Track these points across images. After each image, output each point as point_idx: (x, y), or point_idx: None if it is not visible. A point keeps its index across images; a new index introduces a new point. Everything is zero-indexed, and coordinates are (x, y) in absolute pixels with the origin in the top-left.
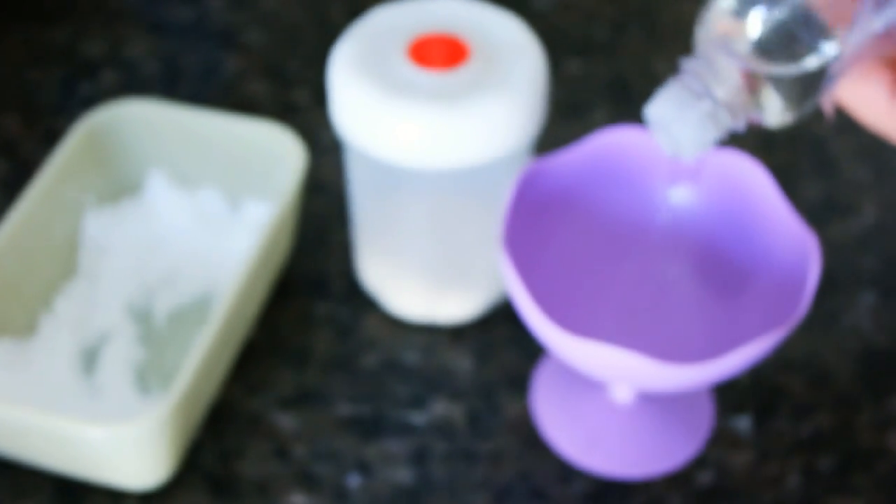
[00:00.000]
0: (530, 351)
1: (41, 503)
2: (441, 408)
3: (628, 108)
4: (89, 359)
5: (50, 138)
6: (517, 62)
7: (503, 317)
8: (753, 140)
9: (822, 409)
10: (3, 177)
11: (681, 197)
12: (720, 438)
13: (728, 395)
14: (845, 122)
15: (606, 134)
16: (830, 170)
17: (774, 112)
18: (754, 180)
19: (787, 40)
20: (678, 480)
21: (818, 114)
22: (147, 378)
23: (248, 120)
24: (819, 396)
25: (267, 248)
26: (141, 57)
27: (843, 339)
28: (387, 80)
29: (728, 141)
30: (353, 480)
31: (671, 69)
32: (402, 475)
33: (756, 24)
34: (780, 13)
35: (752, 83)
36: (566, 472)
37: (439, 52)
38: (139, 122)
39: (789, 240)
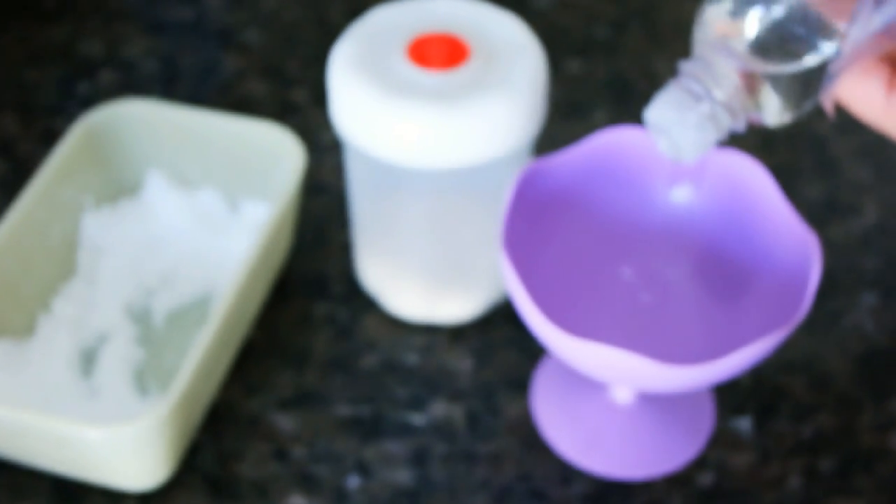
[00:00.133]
0: (530, 351)
1: None
2: (441, 409)
3: (629, 108)
4: (88, 360)
5: (48, 138)
6: (517, 62)
7: (503, 317)
8: (754, 140)
9: (824, 409)
10: (0, 177)
11: (681, 197)
12: (721, 439)
13: (729, 395)
14: (846, 122)
15: (606, 134)
16: (831, 170)
17: (774, 112)
18: (755, 180)
19: (784, 39)
20: (679, 481)
21: (819, 113)
22: (146, 379)
23: (247, 120)
24: (820, 397)
25: (266, 249)
26: (140, 57)
27: (844, 340)
28: (386, 79)
29: (728, 141)
30: (353, 481)
31: (672, 69)
32: (402, 476)
33: (753, 23)
34: (777, 12)
35: (751, 83)
36: (566, 473)
37: (439, 51)
38: (138, 121)
39: (790, 240)
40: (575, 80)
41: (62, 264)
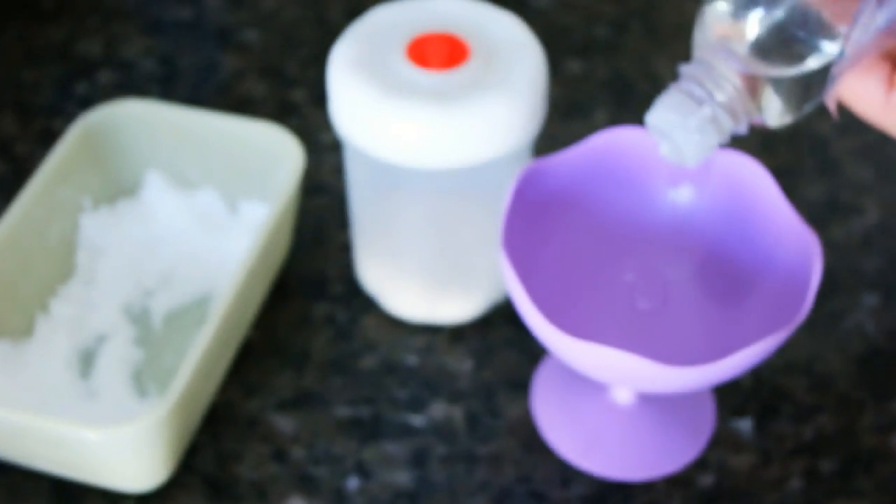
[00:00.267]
0: (530, 352)
1: None
2: (441, 409)
3: (629, 108)
4: (86, 361)
5: (46, 138)
6: (517, 61)
7: (503, 318)
8: (755, 140)
9: (825, 411)
10: None
11: (682, 197)
12: (722, 440)
13: (729, 396)
14: (847, 122)
15: (607, 134)
16: (832, 170)
17: (775, 114)
18: (756, 181)
19: (786, 41)
20: (679, 483)
21: (819, 113)
22: (144, 380)
23: (246, 120)
24: (821, 398)
25: (265, 249)
26: (138, 56)
27: (845, 341)
28: (386, 79)
29: (729, 141)
30: (352, 483)
31: (672, 68)
32: (402, 477)
33: (754, 25)
34: (778, 14)
35: (753, 86)
36: (566, 474)
37: (439, 51)
38: (136, 122)
39: (791, 241)
40: (575, 79)
41: (61, 265)
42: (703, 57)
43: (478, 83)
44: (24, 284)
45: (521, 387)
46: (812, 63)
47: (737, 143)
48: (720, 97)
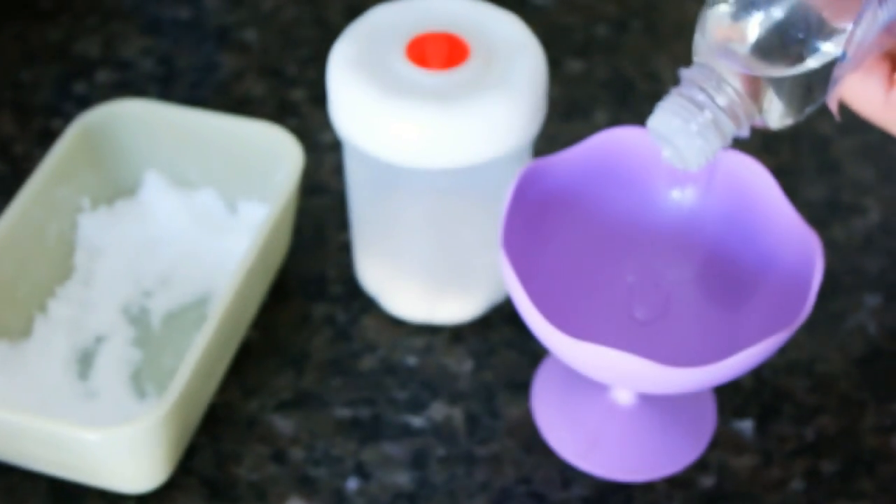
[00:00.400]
0: (530, 353)
1: None
2: (440, 410)
3: (629, 108)
4: (85, 361)
5: (44, 138)
6: (517, 61)
7: (503, 318)
8: (756, 140)
9: (826, 412)
10: None
11: (683, 197)
12: (723, 441)
13: (731, 397)
14: (848, 122)
15: (607, 133)
16: (834, 170)
17: (777, 116)
18: (757, 181)
19: (787, 42)
20: (680, 484)
21: (821, 113)
22: (143, 381)
23: (245, 120)
24: (823, 399)
25: (264, 249)
26: (137, 56)
27: (846, 342)
28: (386, 79)
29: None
30: (352, 484)
31: (673, 68)
32: (401, 479)
33: (755, 26)
34: (779, 14)
35: (754, 89)
36: (567, 475)
37: (438, 50)
38: (135, 121)
39: (792, 241)
40: (575, 79)
41: (59, 265)
42: (704, 60)
43: (478, 83)
44: (22, 285)
45: (521, 387)
46: (813, 63)
47: (738, 143)
48: (721, 101)
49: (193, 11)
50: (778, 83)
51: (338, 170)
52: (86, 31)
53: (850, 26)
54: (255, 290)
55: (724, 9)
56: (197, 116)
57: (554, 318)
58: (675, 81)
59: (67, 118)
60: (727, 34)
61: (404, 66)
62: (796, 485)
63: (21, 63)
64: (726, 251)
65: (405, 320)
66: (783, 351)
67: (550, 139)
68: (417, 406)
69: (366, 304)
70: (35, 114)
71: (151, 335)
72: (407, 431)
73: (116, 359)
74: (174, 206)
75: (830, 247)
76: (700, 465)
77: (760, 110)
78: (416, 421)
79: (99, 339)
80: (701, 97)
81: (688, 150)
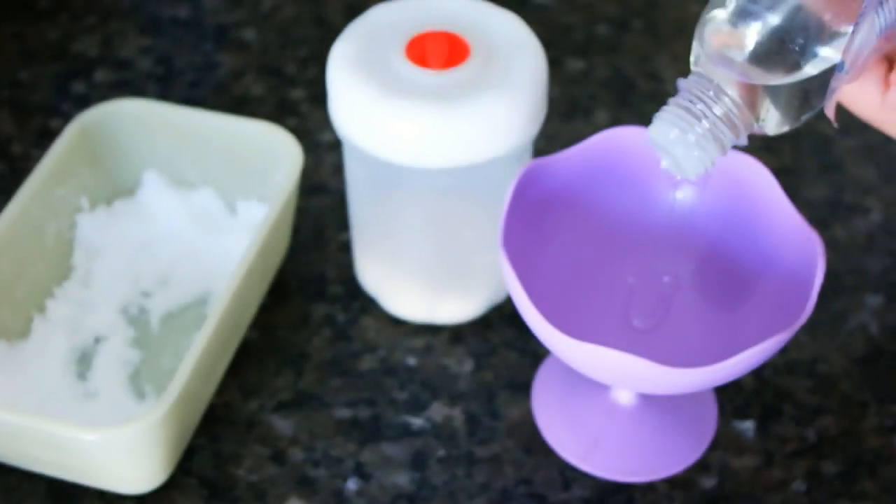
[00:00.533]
0: (530, 353)
1: None
2: (440, 411)
3: (630, 108)
4: (83, 362)
5: (43, 138)
6: (517, 60)
7: (503, 318)
8: (757, 140)
9: (828, 412)
10: None
11: (683, 197)
12: (724, 442)
13: (732, 397)
14: (850, 122)
15: (607, 133)
16: (835, 170)
17: (773, 124)
18: (758, 180)
19: (784, 48)
20: (681, 484)
21: (822, 113)
22: (142, 381)
23: (244, 119)
24: (824, 400)
25: (263, 249)
26: (135, 55)
27: (848, 342)
28: (385, 78)
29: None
30: (352, 485)
31: (674, 67)
32: (401, 479)
33: (752, 33)
34: (776, 20)
35: (752, 97)
36: (567, 476)
37: (438, 50)
38: (134, 121)
39: (794, 241)
40: (576, 79)
41: (57, 265)
42: (702, 71)
43: (478, 82)
44: (20, 285)
45: (521, 388)
46: (811, 69)
47: None
48: (719, 111)
49: (192, 10)
50: (775, 91)
51: (337, 169)
52: (84, 30)
53: (848, 29)
54: (254, 291)
55: (721, 16)
56: (196, 116)
57: (554, 318)
58: (676, 81)
59: (66, 118)
60: (725, 41)
61: (404, 65)
62: (797, 486)
63: (19, 62)
64: (727, 251)
65: (405, 320)
66: (784, 351)
67: (551, 139)
68: (417, 406)
69: (365, 305)
70: (33, 113)
71: (150, 335)
72: (407, 432)
73: (115, 359)
74: (173, 206)
75: (832, 247)
76: (701, 466)
77: (758, 119)
78: (416, 421)
79: (98, 340)
80: (698, 107)
81: (686, 160)
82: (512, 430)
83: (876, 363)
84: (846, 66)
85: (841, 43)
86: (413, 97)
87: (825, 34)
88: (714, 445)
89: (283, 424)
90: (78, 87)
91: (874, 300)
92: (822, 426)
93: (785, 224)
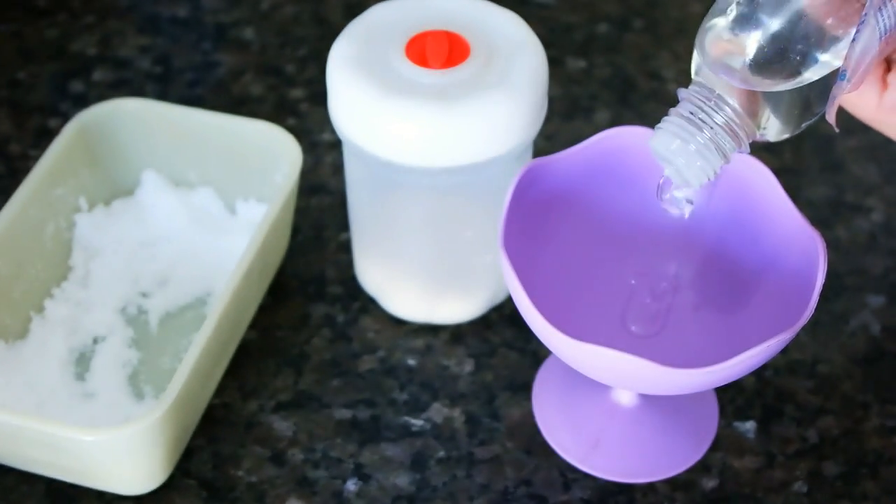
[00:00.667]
0: (531, 353)
1: None
2: (440, 411)
3: (631, 107)
4: (82, 362)
5: (41, 137)
6: (517, 60)
7: (503, 318)
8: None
9: (829, 413)
10: None
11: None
12: (725, 443)
13: (733, 398)
14: (852, 122)
15: (608, 133)
16: (837, 170)
17: (774, 131)
18: (759, 180)
19: (784, 55)
20: (682, 485)
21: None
22: (141, 382)
23: (243, 119)
24: (826, 400)
25: (262, 249)
26: (134, 54)
27: (850, 342)
28: (385, 77)
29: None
30: (351, 485)
31: (675, 67)
32: (401, 480)
33: (753, 40)
34: (777, 26)
35: (752, 105)
36: (568, 476)
37: (438, 49)
38: (132, 121)
39: (795, 241)
40: (576, 78)
41: (56, 265)
42: (703, 80)
43: (478, 82)
44: (18, 285)
45: (521, 388)
46: (811, 76)
47: None
48: (720, 120)
49: (191, 9)
50: (776, 98)
51: (337, 169)
52: (83, 29)
53: (848, 34)
54: (253, 291)
55: (722, 24)
56: (195, 115)
57: (554, 318)
58: (677, 80)
59: (64, 117)
60: (726, 49)
61: (404, 64)
62: (799, 487)
63: (18, 61)
64: (728, 251)
65: (405, 320)
66: (785, 351)
67: (551, 138)
68: (417, 407)
69: (365, 305)
70: (32, 113)
71: (149, 336)
72: (407, 433)
73: (114, 360)
74: (172, 206)
75: (833, 247)
76: (702, 467)
77: (759, 127)
78: (416, 422)
79: (96, 340)
80: (700, 117)
81: (688, 170)
82: (512, 431)
83: (877, 364)
84: (847, 74)
85: (841, 48)
86: (413, 97)
87: (826, 40)
88: (715, 446)
89: (282, 425)
90: (76, 87)
91: (876, 300)
92: (824, 427)
93: (786, 224)
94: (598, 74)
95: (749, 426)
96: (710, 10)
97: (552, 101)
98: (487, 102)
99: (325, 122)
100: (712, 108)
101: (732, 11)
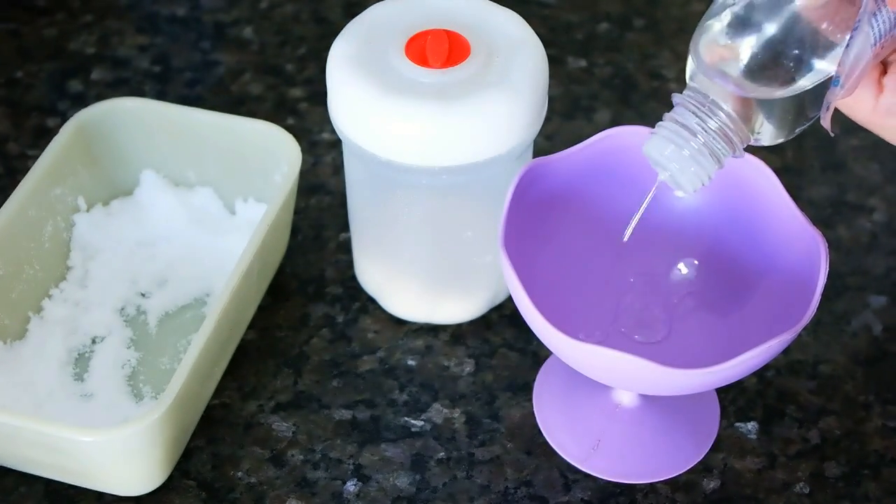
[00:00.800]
0: (531, 354)
1: None
2: (440, 412)
3: (632, 106)
4: (80, 363)
5: (39, 137)
6: (518, 59)
7: (504, 318)
8: None
9: (831, 414)
10: None
11: (686, 197)
12: (726, 443)
13: (734, 399)
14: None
15: (609, 132)
16: (839, 169)
17: (768, 136)
18: (761, 180)
19: (779, 61)
20: (683, 486)
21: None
22: (139, 382)
23: (242, 118)
24: (827, 401)
25: (262, 249)
26: (133, 53)
27: (851, 343)
28: (385, 77)
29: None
30: (351, 486)
31: (676, 66)
32: (401, 481)
33: (748, 45)
34: (772, 31)
35: (747, 111)
36: (568, 477)
37: (438, 48)
38: (131, 120)
39: (797, 241)
40: (577, 77)
41: (54, 266)
42: (697, 85)
43: (478, 81)
44: (16, 285)
45: (521, 389)
46: (805, 82)
47: None
48: (714, 125)
49: (190, 8)
50: (769, 104)
51: (337, 169)
52: (81, 28)
53: (843, 40)
54: (252, 291)
55: (717, 29)
56: (194, 115)
57: (555, 319)
58: (678, 79)
59: (63, 117)
60: (720, 54)
61: (404, 63)
62: (800, 488)
63: (16, 60)
64: (730, 251)
65: (405, 320)
66: (787, 352)
67: (552, 138)
68: (417, 408)
69: (365, 305)
70: (30, 112)
71: (148, 336)
72: (406, 433)
73: (112, 360)
74: (171, 206)
75: (835, 247)
76: (703, 468)
77: (753, 132)
78: (416, 423)
79: (95, 341)
80: (694, 122)
81: (682, 176)
82: (512, 432)
83: (879, 364)
84: (841, 80)
85: (835, 54)
86: (413, 96)
87: (820, 46)
88: (716, 447)
89: (282, 426)
90: (75, 86)
91: (878, 301)
92: (825, 428)
93: (788, 224)
94: (598, 74)
95: (750, 427)
96: (705, 15)
97: (552, 100)
98: (487, 102)
99: (325, 121)
100: (706, 114)
101: (727, 17)
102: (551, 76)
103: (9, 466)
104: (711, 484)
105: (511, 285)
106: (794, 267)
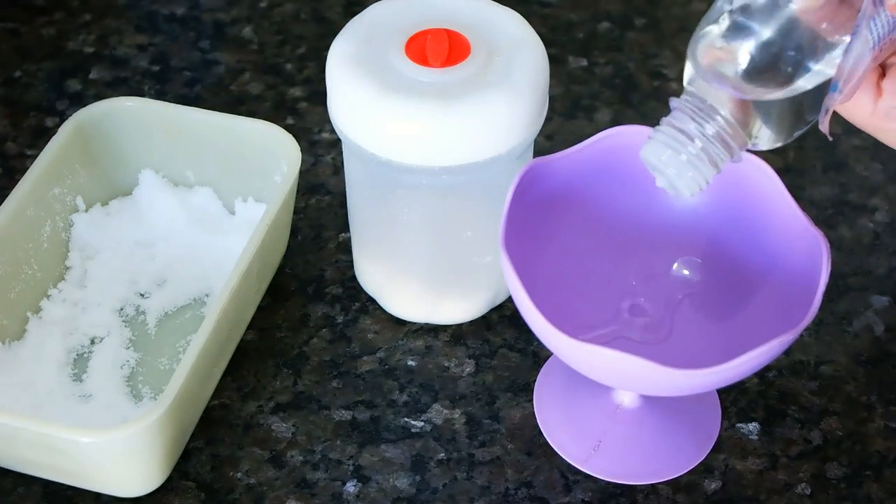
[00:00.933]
0: (532, 354)
1: None
2: (440, 413)
3: (633, 106)
4: (79, 363)
5: (38, 136)
6: (518, 58)
7: (504, 318)
8: None
9: (832, 414)
10: None
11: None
12: (727, 444)
13: (736, 399)
14: None
15: (610, 132)
16: (841, 169)
17: (766, 140)
18: (762, 180)
19: (777, 62)
20: (684, 487)
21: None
22: (138, 383)
23: (242, 118)
24: (829, 402)
25: (261, 249)
26: (132, 53)
27: (853, 343)
28: (385, 76)
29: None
30: (351, 487)
31: (677, 65)
32: (401, 482)
33: (746, 47)
34: (770, 34)
35: (744, 115)
36: (569, 478)
37: (439, 47)
38: (130, 120)
39: (799, 241)
40: (578, 77)
41: (53, 266)
42: (695, 89)
43: (478, 80)
44: (15, 285)
45: (522, 389)
46: (804, 84)
47: None
48: (711, 130)
49: (189, 7)
50: (767, 108)
51: (336, 169)
52: (80, 27)
53: (841, 42)
54: (252, 291)
55: (715, 32)
56: (193, 114)
57: (555, 319)
58: (679, 79)
59: (61, 116)
60: (718, 57)
61: (404, 63)
62: (802, 489)
63: (14, 60)
64: (731, 251)
65: (405, 321)
66: (789, 352)
67: (552, 137)
68: (417, 408)
69: (365, 305)
70: (28, 111)
71: (147, 336)
72: (406, 434)
73: (111, 361)
74: (170, 206)
75: (837, 247)
76: (704, 469)
77: (751, 136)
78: (416, 423)
79: (94, 341)
80: (691, 127)
81: (679, 180)
82: (513, 433)
83: (881, 364)
84: (839, 85)
85: (834, 57)
86: (413, 95)
87: (818, 49)
88: (718, 448)
89: (281, 426)
90: (74, 85)
91: (880, 301)
92: (827, 428)
93: (789, 224)
94: (599, 73)
95: (752, 427)
96: (703, 19)
97: (553, 100)
98: (488, 101)
99: (325, 121)
100: (704, 118)
101: (725, 19)
102: (552, 76)
103: (7, 467)
104: (713, 485)
105: (511, 285)
106: (795, 267)
